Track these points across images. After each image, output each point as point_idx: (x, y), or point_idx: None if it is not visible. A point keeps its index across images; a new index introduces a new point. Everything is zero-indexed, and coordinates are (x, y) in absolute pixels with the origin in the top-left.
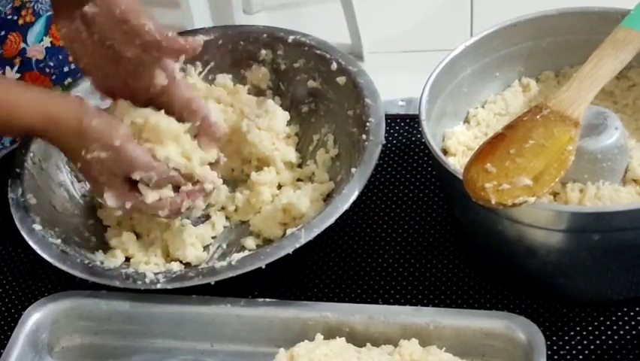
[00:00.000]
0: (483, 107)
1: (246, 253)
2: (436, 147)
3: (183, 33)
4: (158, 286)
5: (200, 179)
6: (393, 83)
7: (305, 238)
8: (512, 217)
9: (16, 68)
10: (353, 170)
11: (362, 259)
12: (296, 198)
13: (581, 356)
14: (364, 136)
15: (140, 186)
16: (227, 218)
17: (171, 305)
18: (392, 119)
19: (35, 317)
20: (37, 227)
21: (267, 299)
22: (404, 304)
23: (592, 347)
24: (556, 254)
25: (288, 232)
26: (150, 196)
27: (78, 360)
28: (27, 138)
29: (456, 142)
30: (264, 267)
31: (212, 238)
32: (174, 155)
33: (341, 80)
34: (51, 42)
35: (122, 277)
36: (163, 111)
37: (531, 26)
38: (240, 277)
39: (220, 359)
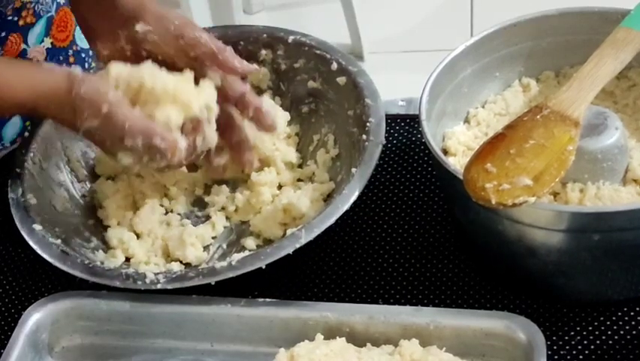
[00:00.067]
0: (483, 107)
1: (246, 253)
2: (436, 147)
3: None
4: (159, 286)
5: (201, 119)
6: (394, 83)
7: (305, 238)
8: (512, 217)
9: None
10: (353, 170)
11: (362, 259)
12: (296, 198)
13: (581, 356)
14: (364, 136)
15: None
16: (227, 218)
17: (171, 305)
18: (392, 119)
19: (35, 317)
20: (38, 227)
21: (268, 299)
22: (404, 304)
23: (592, 347)
24: (557, 254)
25: (289, 232)
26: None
27: (78, 360)
28: (27, 138)
29: (456, 142)
30: (264, 267)
31: (213, 238)
32: (174, 117)
33: (341, 80)
34: (52, 43)
35: (122, 277)
36: (159, 68)
37: (531, 26)
38: (240, 278)
39: (220, 359)
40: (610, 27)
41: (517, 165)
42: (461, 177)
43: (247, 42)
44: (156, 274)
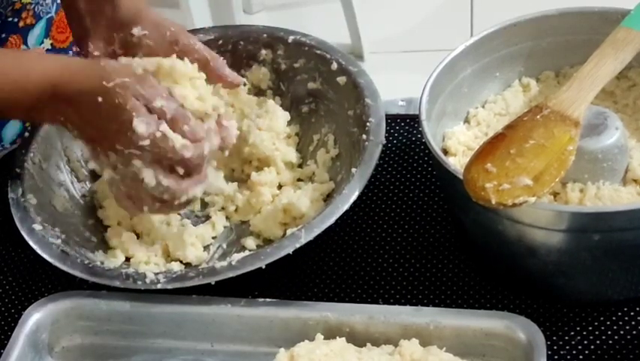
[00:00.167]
0: (483, 107)
1: (246, 253)
2: (436, 147)
3: None
4: (159, 286)
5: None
6: (394, 83)
7: (305, 238)
8: (512, 217)
9: None
10: (353, 170)
11: (362, 259)
12: (296, 198)
13: (581, 356)
14: (364, 136)
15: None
16: (227, 218)
17: (171, 305)
18: (392, 119)
19: (35, 317)
20: (38, 227)
21: (268, 299)
22: (404, 304)
23: (592, 347)
24: (557, 254)
25: (289, 232)
26: (179, 140)
27: (78, 360)
28: (27, 138)
29: (456, 142)
30: (264, 267)
31: (213, 238)
32: (190, 97)
33: (341, 80)
34: (51, 44)
35: (122, 277)
36: (174, 56)
37: (531, 26)
38: (241, 277)
39: (220, 359)
40: (610, 27)
41: (517, 165)
42: (461, 177)
43: (247, 42)
44: (156, 274)
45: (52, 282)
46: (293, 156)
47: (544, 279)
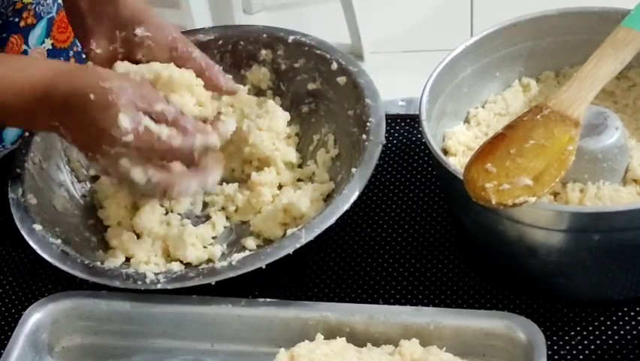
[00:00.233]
0: (483, 107)
1: (247, 253)
2: (436, 147)
3: (183, 33)
4: (159, 286)
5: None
6: (393, 83)
7: (305, 238)
8: (513, 217)
9: None
10: (353, 170)
11: (362, 259)
12: (296, 198)
13: (581, 356)
14: (364, 136)
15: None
16: (227, 218)
17: (172, 305)
18: (392, 119)
19: (35, 317)
20: (38, 227)
21: (268, 299)
22: (404, 304)
23: (592, 347)
24: (557, 254)
25: (289, 232)
26: (164, 130)
27: (78, 360)
28: (27, 138)
29: (456, 142)
30: (264, 267)
31: (213, 238)
32: (189, 104)
33: (341, 80)
34: (52, 44)
35: (122, 277)
36: (172, 64)
37: (531, 26)
38: (241, 277)
39: (220, 359)
40: (610, 27)
41: (518, 165)
42: (461, 177)
43: (247, 42)
44: (156, 274)
45: (52, 282)
46: (293, 156)
47: (544, 279)
